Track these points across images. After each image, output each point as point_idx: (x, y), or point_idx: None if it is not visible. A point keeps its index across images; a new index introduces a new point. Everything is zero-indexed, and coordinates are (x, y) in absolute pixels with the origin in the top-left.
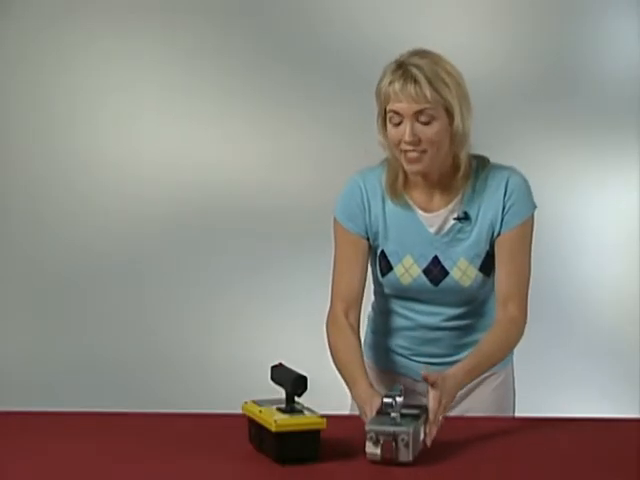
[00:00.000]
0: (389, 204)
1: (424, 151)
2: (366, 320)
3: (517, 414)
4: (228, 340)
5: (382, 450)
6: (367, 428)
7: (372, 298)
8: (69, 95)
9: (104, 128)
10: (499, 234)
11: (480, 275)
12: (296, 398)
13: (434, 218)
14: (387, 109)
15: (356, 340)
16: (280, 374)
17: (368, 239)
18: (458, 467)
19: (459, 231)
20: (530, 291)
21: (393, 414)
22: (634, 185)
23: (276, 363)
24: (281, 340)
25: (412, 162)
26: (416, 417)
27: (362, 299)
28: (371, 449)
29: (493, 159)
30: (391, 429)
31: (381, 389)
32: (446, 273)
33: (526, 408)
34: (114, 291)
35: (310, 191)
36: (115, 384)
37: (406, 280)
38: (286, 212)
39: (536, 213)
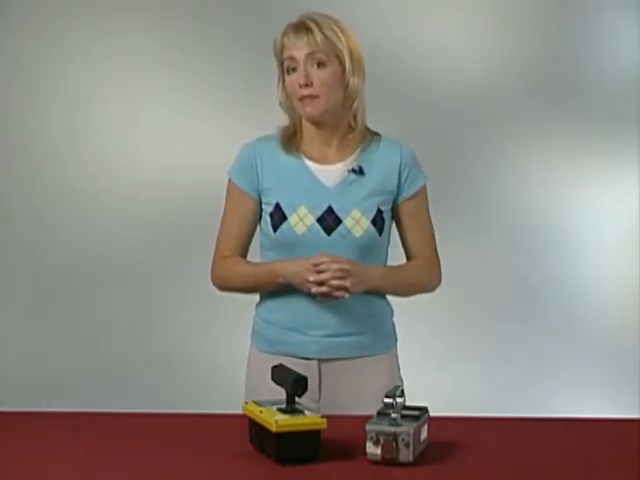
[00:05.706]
0: (284, 161)
1: (317, 96)
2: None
3: (517, 414)
4: (228, 340)
5: (382, 450)
6: (367, 428)
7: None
8: (69, 95)
9: (104, 128)
10: (400, 200)
11: (372, 228)
12: (296, 398)
13: (329, 172)
14: (283, 60)
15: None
16: (280, 374)
17: (260, 201)
18: (458, 467)
19: (352, 183)
20: (530, 291)
21: (393, 414)
22: (634, 185)
23: (276, 364)
24: None
25: (307, 105)
26: (416, 417)
27: (246, 255)
28: (371, 449)
29: (493, 158)
30: (391, 429)
31: (268, 378)
32: (339, 222)
33: (526, 408)
34: (114, 291)
35: None
36: (115, 384)
37: (300, 229)
38: None
39: (534, 213)
